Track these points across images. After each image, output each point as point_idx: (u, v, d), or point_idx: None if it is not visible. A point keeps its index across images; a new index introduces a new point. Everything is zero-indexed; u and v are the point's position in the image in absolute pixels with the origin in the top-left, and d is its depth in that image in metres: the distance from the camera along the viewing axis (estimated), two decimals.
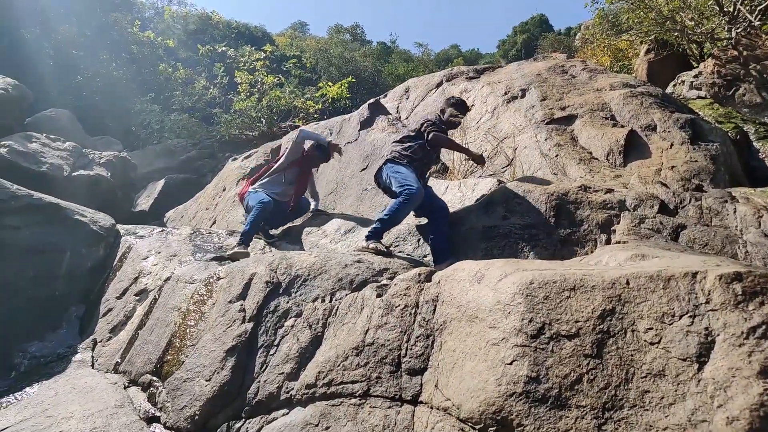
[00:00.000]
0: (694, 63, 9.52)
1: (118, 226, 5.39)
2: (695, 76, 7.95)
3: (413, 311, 2.80)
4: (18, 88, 10.59)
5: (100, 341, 4.09)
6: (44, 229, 4.67)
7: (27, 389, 3.57)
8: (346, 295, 3.17)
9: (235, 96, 14.49)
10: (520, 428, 2.02)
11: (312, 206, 5.70)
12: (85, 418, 2.92)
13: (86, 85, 15.96)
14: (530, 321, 2.20)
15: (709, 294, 1.85)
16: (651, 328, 1.92)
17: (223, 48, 17.25)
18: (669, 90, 7.82)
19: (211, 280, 3.71)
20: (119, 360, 3.76)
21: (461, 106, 4.45)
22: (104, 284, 4.69)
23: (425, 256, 3.89)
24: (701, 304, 1.85)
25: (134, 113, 15.43)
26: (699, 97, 6.97)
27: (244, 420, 2.90)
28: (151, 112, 15.11)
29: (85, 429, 2.81)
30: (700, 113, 5.76)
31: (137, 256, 4.70)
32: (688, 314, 1.86)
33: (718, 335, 1.77)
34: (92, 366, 3.87)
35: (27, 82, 11.81)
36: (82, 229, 4.90)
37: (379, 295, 3.01)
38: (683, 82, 8.18)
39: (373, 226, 3.98)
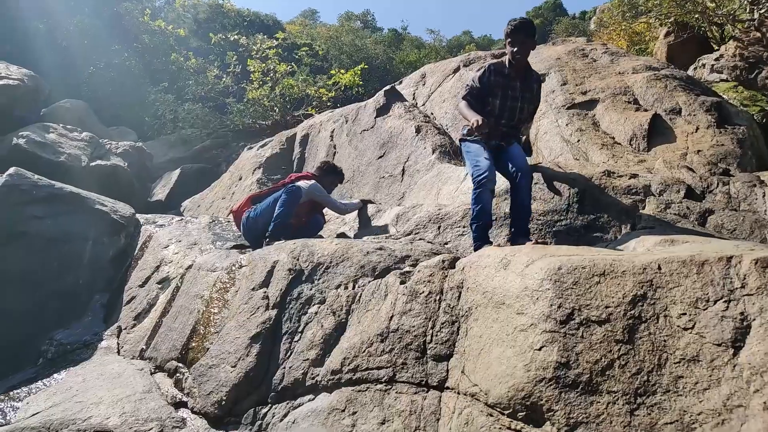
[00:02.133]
0: (715, 46, 9.32)
1: (138, 216, 5.45)
2: (716, 59, 7.79)
3: (438, 298, 2.80)
4: (33, 78, 10.67)
5: (125, 328, 4.16)
6: (66, 218, 4.75)
7: (55, 375, 3.65)
8: (369, 282, 3.18)
9: (248, 85, 14.46)
10: (550, 413, 2.02)
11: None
12: (114, 403, 2.99)
13: (100, 76, 16.02)
14: (559, 307, 2.19)
15: (745, 278, 1.82)
16: (684, 314, 1.90)
17: (235, 36, 17.18)
18: (689, 73, 7.68)
19: (233, 267, 3.74)
20: (144, 346, 3.82)
21: None
22: (126, 273, 4.76)
23: (446, 243, 3.88)
24: (736, 288, 1.83)
25: (148, 103, 15.47)
26: (722, 80, 6.84)
27: (270, 405, 2.94)
28: (165, 102, 15.14)
29: (115, 414, 2.87)
30: (724, 96, 5.65)
31: (158, 244, 4.75)
32: (723, 299, 1.84)
33: (754, 320, 1.75)
34: (118, 352, 3.94)
35: (42, 74, 11.90)
36: (103, 219, 4.97)
37: (402, 282, 3.01)
38: (704, 65, 8.02)
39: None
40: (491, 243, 3.32)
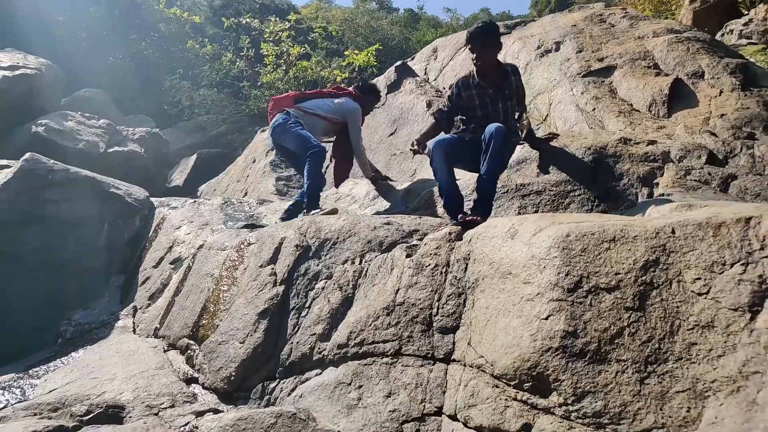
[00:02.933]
0: (743, 10, 8.90)
1: (152, 199, 5.51)
2: (745, 24, 7.43)
3: (444, 270, 2.74)
4: (51, 68, 10.81)
5: (140, 308, 4.22)
6: (82, 202, 4.82)
7: (73, 354, 3.73)
8: (376, 256, 3.13)
9: (262, 69, 14.43)
10: (556, 383, 1.95)
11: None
12: (127, 379, 3.03)
13: (118, 66, 16.20)
14: (567, 275, 2.10)
15: (764, 240, 1.70)
16: (699, 278, 1.79)
17: (248, 20, 17.10)
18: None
19: (242, 246, 3.73)
20: (158, 325, 3.86)
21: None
22: (141, 254, 4.82)
23: None
24: (755, 251, 1.71)
25: (164, 91, 15.61)
26: (750, 44, 6.51)
27: (278, 380, 2.94)
28: (181, 89, 15.24)
29: (128, 389, 2.91)
30: (751, 59, 5.37)
31: (171, 226, 4.79)
32: (740, 262, 1.72)
33: None
34: (134, 331, 4.01)
35: (61, 64, 12.06)
36: (118, 202, 5.03)
37: (408, 255, 2.95)
38: (731, 31, 7.67)
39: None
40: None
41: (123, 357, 3.43)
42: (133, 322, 4.14)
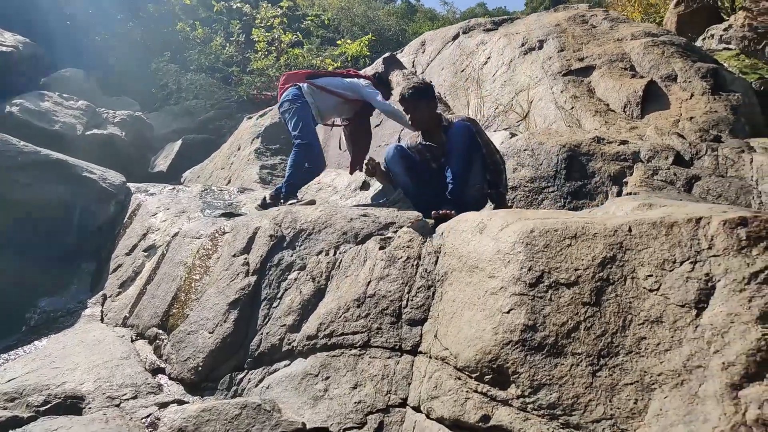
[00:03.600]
0: (725, 16, 9.03)
1: (129, 184, 5.44)
2: (725, 30, 7.55)
3: (415, 263, 2.77)
4: (29, 46, 10.55)
5: (110, 296, 4.18)
6: (53, 186, 4.72)
7: (36, 342, 3.66)
8: (350, 248, 3.15)
9: (253, 55, 14.27)
10: (515, 376, 2.00)
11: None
12: (89, 369, 3.00)
13: (104, 46, 15.86)
14: (529, 269, 2.15)
15: (712, 239, 1.76)
16: (651, 275, 1.85)
17: (239, 4, 16.85)
18: (698, 44, 7.46)
19: (217, 234, 3.72)
20: (127, 314, 3.84)
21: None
22: (115, 241, 4.76)
23: None
24: (703, 249, 1.77)
25: (151, 73, 15.34)
26: (726, 49, 6.63)
27: (246, 371, 2.95)
28: (168, 72, 14.99)
29: (89, 379, 2.88)
30: (724, 64, 5.48)
31: (146, 212, 4.74)
32: (689, 260, 1.78)
33: (719, 281, 1.70)
34: (102, 320, 3.96)
35: (45, 43, 11.78)
36: (92, 186, 4.95)
37: (382, 248, 2.98)
38: (713, 35, 7.79)
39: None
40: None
41: (88, 346, 3.38)
42: (102, 311, 4.09)
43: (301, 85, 4.37)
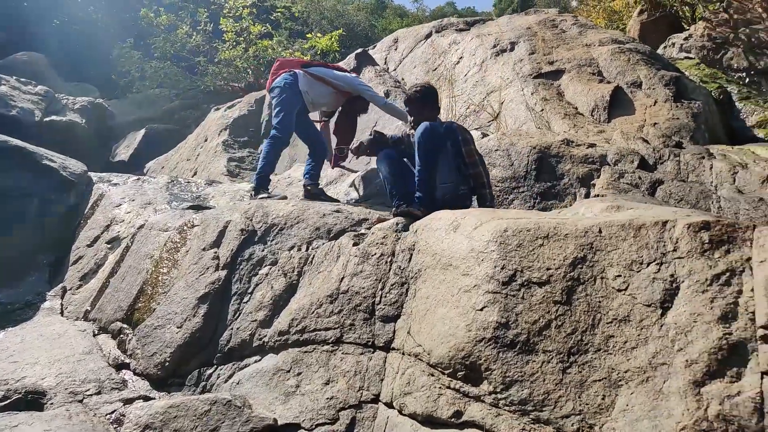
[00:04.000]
0: (685, 25, 9.37)
1: (91, 174, 5.25)
2: (685, 39, 7.84)
3: (389, 260, 2.79)
4: None
5: (70, 289, 4.05)
6: (10, 174, 4.51)
7: None
8: (323, 244, 3.14)
9: (220, 45, 13.97)
10: (487, 372, 2.04)
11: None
12: (50, 363, 2.90)
13: (63, 30, 15.23)
14: (502, 268, 2.19)
15: (677, 242, 1.84)
16: (619, 275, 1.92)
17: None
18: (659, 52, 7.72)
19: (185, 227, 3.65)
20: (89, 308, 3.72)
21: None
22: (75, 232, 4.60)
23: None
24: (669, 252, 1.85)
25: (113, 60, 14.82)
26: (687, 58, 6.89)
27: (215, 366, 2.91)
28: (131, 58, 14.52)
29: (51, 374, 2.79)
30: (686, 72, 5.70)
31: (110, 203, 4.60)
32: (656, 262, 1.86)
33: (683, 282, 1.77)
34: (61, 314, 3.83)
35: (0, 26, 11.23)
36: (52, 175, 4.76)
37: (355, 244, 2.98)
38: (674, 44, 8.08)
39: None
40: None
41: (48, 340, 3.27)
42: (62, 304, 3.95)
43: (297, 71, 4.32)
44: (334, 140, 4.84)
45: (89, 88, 13.21)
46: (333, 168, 4.99)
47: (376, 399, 2.40)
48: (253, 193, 4.13)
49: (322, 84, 4.36)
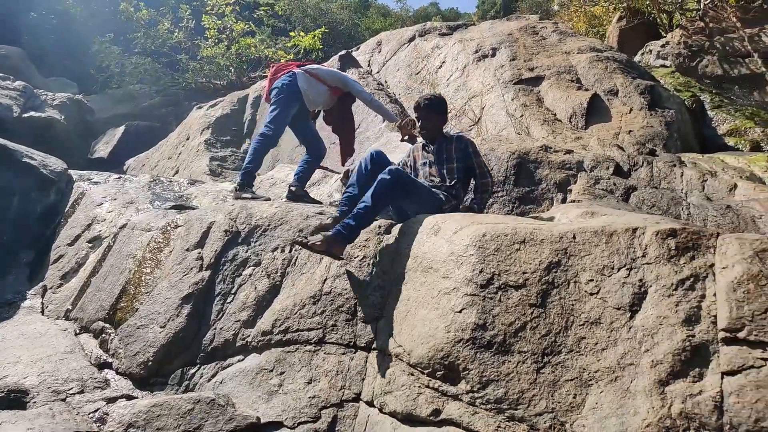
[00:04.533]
0: (663, 33, 9.60)
1: (71, 172, 5.21)
2: (662, 46, 8.06)
3: (371, 262, 2.85)
4: None
5: (51, 288, 4.02)
6: None
7: None
8: None
9: (202, 42, 13.87)
10: (465, 372, 2.12)
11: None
12: (33, 362, 2.90)
13: (41, 24, 14.95)
14: (481, 271, 2.27)
15: (646, 248, 1.94)
16: (592, 280, 2.01)
17: None
18: (637, 58, 7.91)
19: (169, 227, 3.66)
20: (70, 307, 3.71)
21: None
22: (55, 230, 4.56)
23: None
24: (638, 257, 1.95)
25: (92, 54, 14.60)
26: (663, 66, 7.09)
27: (199, 366, 2.93)
28: (111, 54, 14.33)
29: (33, 373, 2.79)
30: (661, 81, 5.88)
31: (91, 202, 4.57)
32: (626, 267, 1.96)
33: (651, 286, 1.87)
34: (42, 313, 3.81)
35: None
36: (32, 173, 4.71)
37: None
38: (651, 51, 8.29)
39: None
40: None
41: (29, 339, 3.25)
42: (42, 303, 3.93)
43: (295, 71, 4.34)
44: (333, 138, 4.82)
45: (68, 83, 13.01)
46: (343, 165, 4.92)
47: (357, 398, 2.46)
48: (237, 188, 4.11)
49: (319, 82, 4.39)
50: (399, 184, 2.94)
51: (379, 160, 3.19)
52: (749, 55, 6.44)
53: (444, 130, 3.55)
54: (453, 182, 3.30)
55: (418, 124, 3.54)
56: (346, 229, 2.77)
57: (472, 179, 3.41)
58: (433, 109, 3.46)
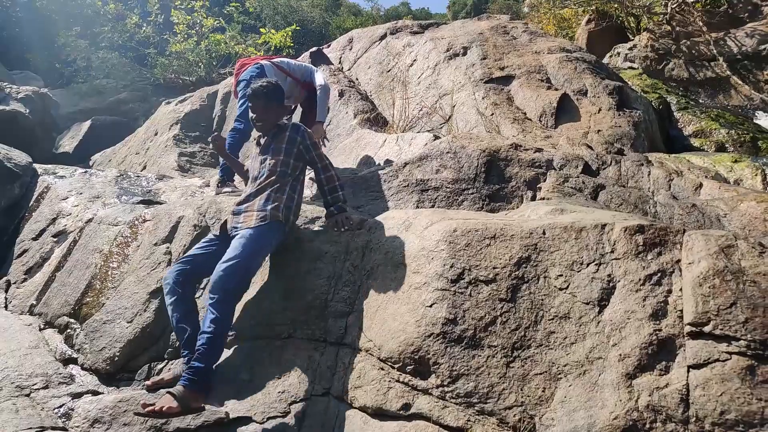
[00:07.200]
0: (630, 36, 9.83)
1: (36, 166, 5.06)
2: (630, 49, 8.26)
3: (343, 257, 2.84)
4: None
5: (14, 283, 3.90)
6: None
7: None
8: None
9: (171, 37, 13.59)
10: (435, 366, 2.13)
11: None
12: None
13: (5, 16, 14.41)
14: (451, 266, 2.28)
15: (614, 244, 1.98)
16: (561, 275, 2.05)
17: None
18: (605, 60, 8.08)
19: (137, 222, 3.58)
20: (34, 302, 3.60)
21: None
22: (19, 224, 4.43)
23: (359, 207, 3.91)
24: (607, 253, 1.99)
25: (58, 48, 14.16)
26: (630, 68, 7.26)
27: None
28: (77, 47, 13.92)
29: None
30: (629, 82, 6.01)
31: (56, 196, 4.44)
32: (595, 262, 1.99)
33: (619, 281, 1.92)
34: (5, 308, 3.71)
35: None
36: None
37: (309, 241, 3.01)
38: (619, 53, 8.49)
39: None
40: None
41: None
42: (6, 298, 3.82)
43: (263, 63, 4.26)
44: None
45: (32, 77, 12.57)
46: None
47: (327, 392, 2.45)
48: (219, 184, 4.06)
49: (287, 76, 4.35)
50: (238, 283, 2.59)
51: (186, 278, 2.74)
52: (715, 58, 6.65)
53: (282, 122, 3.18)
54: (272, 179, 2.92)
55: (253, 116, 3.12)
56: (197, 374, 2.35)
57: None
58: (273, 98, 3.09)
